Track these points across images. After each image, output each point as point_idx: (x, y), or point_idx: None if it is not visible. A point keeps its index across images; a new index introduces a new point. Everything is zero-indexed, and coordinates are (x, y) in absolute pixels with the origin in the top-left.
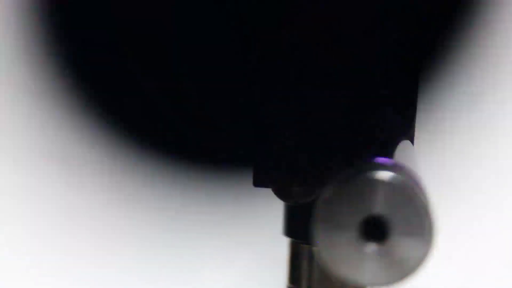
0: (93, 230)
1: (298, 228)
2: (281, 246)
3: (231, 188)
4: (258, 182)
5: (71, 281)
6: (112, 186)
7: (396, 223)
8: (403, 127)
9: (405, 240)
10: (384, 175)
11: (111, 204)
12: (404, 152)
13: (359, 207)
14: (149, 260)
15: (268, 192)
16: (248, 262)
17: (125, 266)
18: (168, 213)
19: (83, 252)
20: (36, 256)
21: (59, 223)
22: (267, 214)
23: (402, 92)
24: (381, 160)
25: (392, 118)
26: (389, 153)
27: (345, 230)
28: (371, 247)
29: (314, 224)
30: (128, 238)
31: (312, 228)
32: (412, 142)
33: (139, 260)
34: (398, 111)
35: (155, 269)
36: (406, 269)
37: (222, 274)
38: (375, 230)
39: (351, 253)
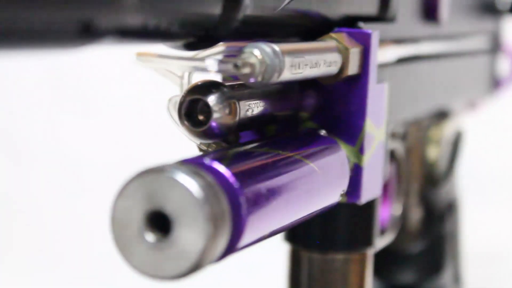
0: None
1: (298, 234)
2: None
3: None
4: None
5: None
6: None
7: (176, 217)
8: None
9: (185, 233)
10: (165, 173)
11: None
12: None
13: (142, 202)
14: None
15: None
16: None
17: None
18: None
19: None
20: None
21: None
22: None
23: None
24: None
25: None
26: None
27: (131, 224)
28: (155, 239)
29: (110, 219)
30: None
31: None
32: None
33: None
34: None
35: None
36: (189, 261)
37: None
38: (161, 223)
39: (139, 246)
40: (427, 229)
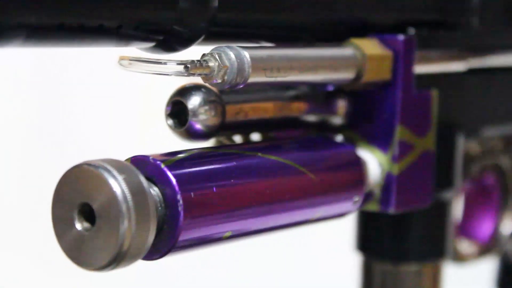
0: None
1: (371, 242)
2: None
3: None
4: None
5: None
6: None
7: (99, 210)
8: None
9: (106, 226)
10: (93, 167)
11: None
12: None
13: (73, 196)
14: None
15: None
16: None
17: None
18: None
19: None
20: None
21: None
22: None
23: None
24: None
25: None
26: None
27: (66, 216)
28: (82, 229)
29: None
30: None
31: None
32: None
33: None
34: None
35: None
36: (112, 252)
37: None
38: (91, 215)
39: (70, 233)
40: None
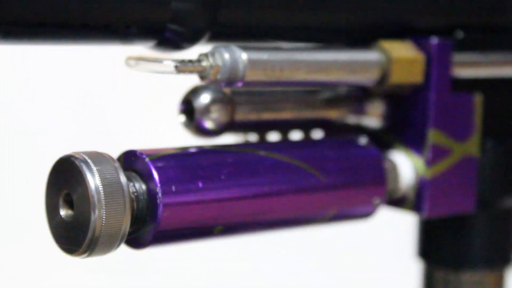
0: None
1: (433, 249)
2: None
3: None
4: None
5: None
6: None
7: (76, 199)
8: None
9: (81, 214)
10: (74, 159)
11: None
12: None
13: (58, 185)
14: None
15: None
16: None
17: None
18: None
19: None
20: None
21: None
22: None
23: None
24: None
25: None
26: None
27: (53, 204)
28: (65, 215)
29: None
30: None
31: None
32: None
33: None
34: None
35: None
36: (85, 239)
37: None
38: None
39: (56, 218)
40: None
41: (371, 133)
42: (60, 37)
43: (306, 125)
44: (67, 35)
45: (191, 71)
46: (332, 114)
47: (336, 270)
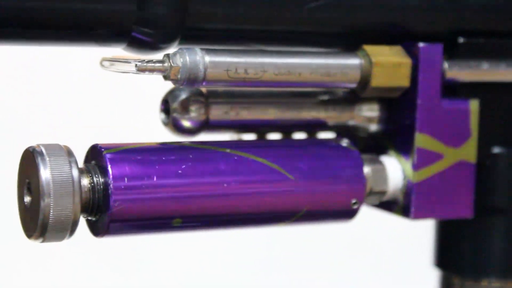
0: None
1: (451, 258)
2: None
3: None
4: None
5: None
6: None
7: (33, 187)
8: None
9: (35, 201)
10: (32, 150)
11: None
12: None
13: (23, 174)
14: None
15: None
16: None
17: None
18: None
19: None
20: None
21: None
22: None
23: None
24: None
25: None
26: None
27: (20, 191)
28: (27, 202)
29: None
30: None
31: None
32: None
33: None
34: None
35: None
36: (36, 225)
37: None
38: None
39: (22, 205)
40: None
41: (370, 137)
42: (30, 37)
43: (293, 127)
44: (37, 36)
45: (151, 71)
46: (321, 116)
47: (354, 281)
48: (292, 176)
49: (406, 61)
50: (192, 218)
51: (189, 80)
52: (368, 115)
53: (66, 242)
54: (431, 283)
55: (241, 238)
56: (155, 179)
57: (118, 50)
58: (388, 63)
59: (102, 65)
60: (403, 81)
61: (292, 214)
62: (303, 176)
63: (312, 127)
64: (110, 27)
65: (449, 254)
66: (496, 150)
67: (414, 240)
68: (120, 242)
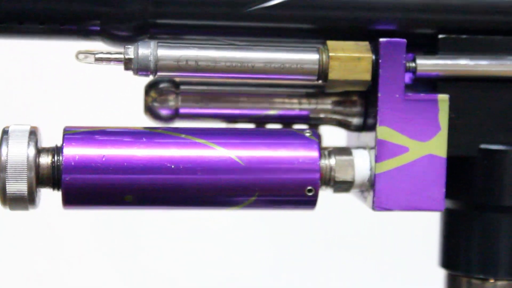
0: None
1: (458, 258)
2: None
3: None
4: None
5: None
6: None
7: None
8: None
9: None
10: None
11: None
12: None
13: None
14: None
15: None
16: None
17: None
18: None
19: None
20: None
21: None
22: None
23: None
24: None
25: None
26: None
27: None
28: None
29: None
30: None
31: None
32: None
33: None
34: None
35: None
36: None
37: None
38: None
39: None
40: None
41: (357, 130)
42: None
43: (266, 119)
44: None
45: (108, 61)
46: (295, 107)
47: (360, 281)
48: (242, 162)
49: (366, 55)
50: (142, 196)
51: (142, 70)
52: (337, 109)
53: (67, 242)
54: (438, 285)
55: (243, 238)
56: (104, 158)
57: (100, 44)
58: (346, 58)
59: (77, 58)
60: (363, 75)
61: (243, 199)
62: (253, 163)
63: (286, 119)
64: (83, 23)
65: (455, 254)
66: (494, 147)
67: (420, 241)
68: (121, 242)
